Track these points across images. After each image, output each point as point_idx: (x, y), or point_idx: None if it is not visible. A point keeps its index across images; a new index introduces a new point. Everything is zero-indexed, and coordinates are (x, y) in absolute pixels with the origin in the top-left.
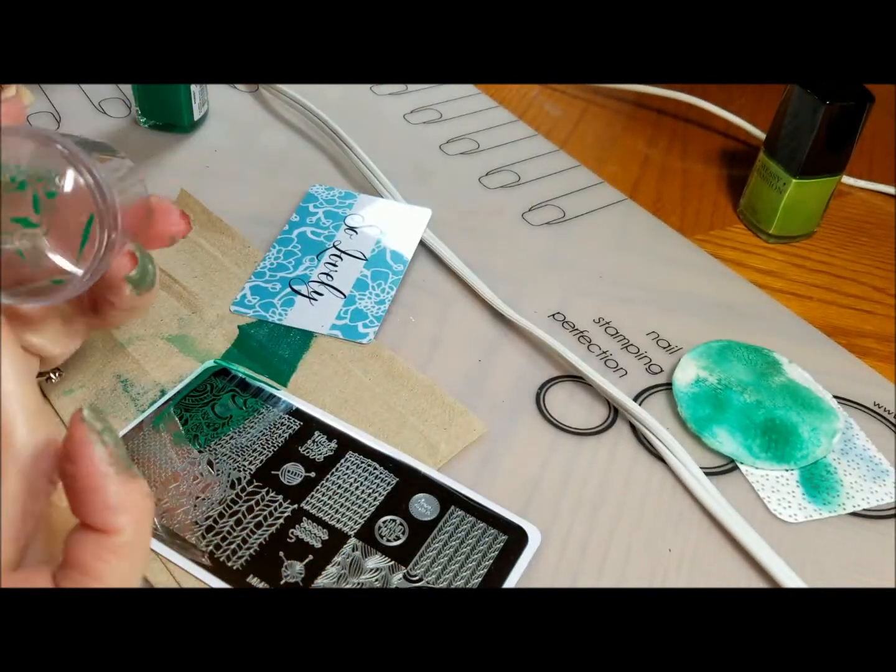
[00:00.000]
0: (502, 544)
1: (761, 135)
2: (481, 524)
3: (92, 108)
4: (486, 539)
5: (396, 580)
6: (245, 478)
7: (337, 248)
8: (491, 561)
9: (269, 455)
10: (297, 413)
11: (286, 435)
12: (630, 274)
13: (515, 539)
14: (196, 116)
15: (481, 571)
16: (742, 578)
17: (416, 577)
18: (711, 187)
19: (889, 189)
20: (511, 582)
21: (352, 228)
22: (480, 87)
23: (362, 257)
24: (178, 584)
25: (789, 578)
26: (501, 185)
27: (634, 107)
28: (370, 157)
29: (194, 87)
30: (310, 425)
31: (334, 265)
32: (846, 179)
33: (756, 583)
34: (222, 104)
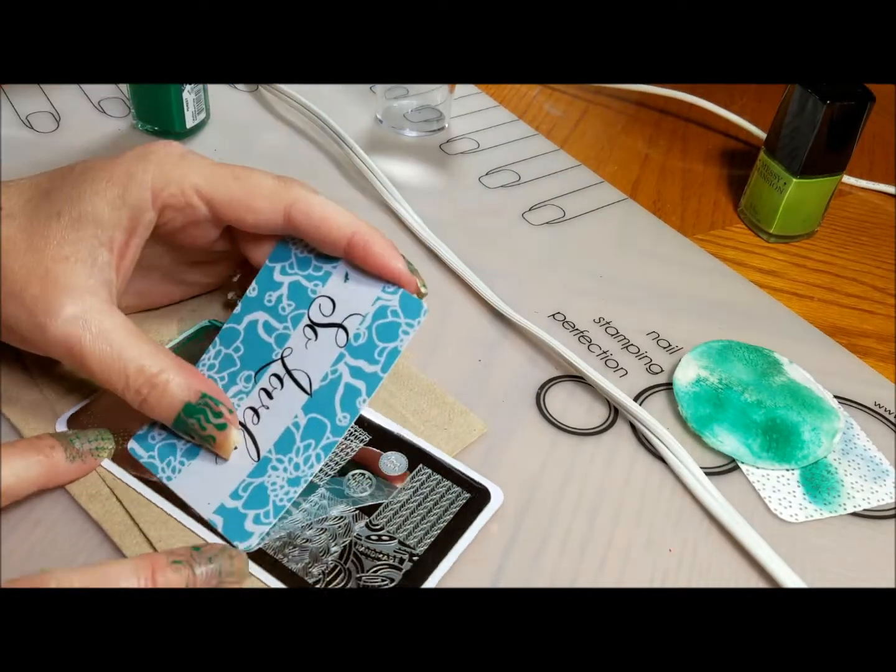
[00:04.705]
0: (464, 501)
1: (762, 134)
2: (446, 482)
3: (91, 107)
4: (449, 496)
5: (358, 528)
6: None
7: (284, 363)
8: (451, 516)
9: None
10: None
11: None
12: (630, 274)
13: (477, 497)
14: (189, 124)
15: (441, 524)
16: (742, 578)
17: (378, 527)
18: (712, 187)
19: (889, 189)
20: (468, 538)
21: (313, 326)
22: (481, 86)
23: (306, 391)
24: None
25: (790, 578)
26: (502, 185)
27: (635, 106)
28: (370, 157)
29: (188, 95)
30: None
31: (269, 394)
32: (847, 179)
33: (756, 583)
34: (222, 104)
